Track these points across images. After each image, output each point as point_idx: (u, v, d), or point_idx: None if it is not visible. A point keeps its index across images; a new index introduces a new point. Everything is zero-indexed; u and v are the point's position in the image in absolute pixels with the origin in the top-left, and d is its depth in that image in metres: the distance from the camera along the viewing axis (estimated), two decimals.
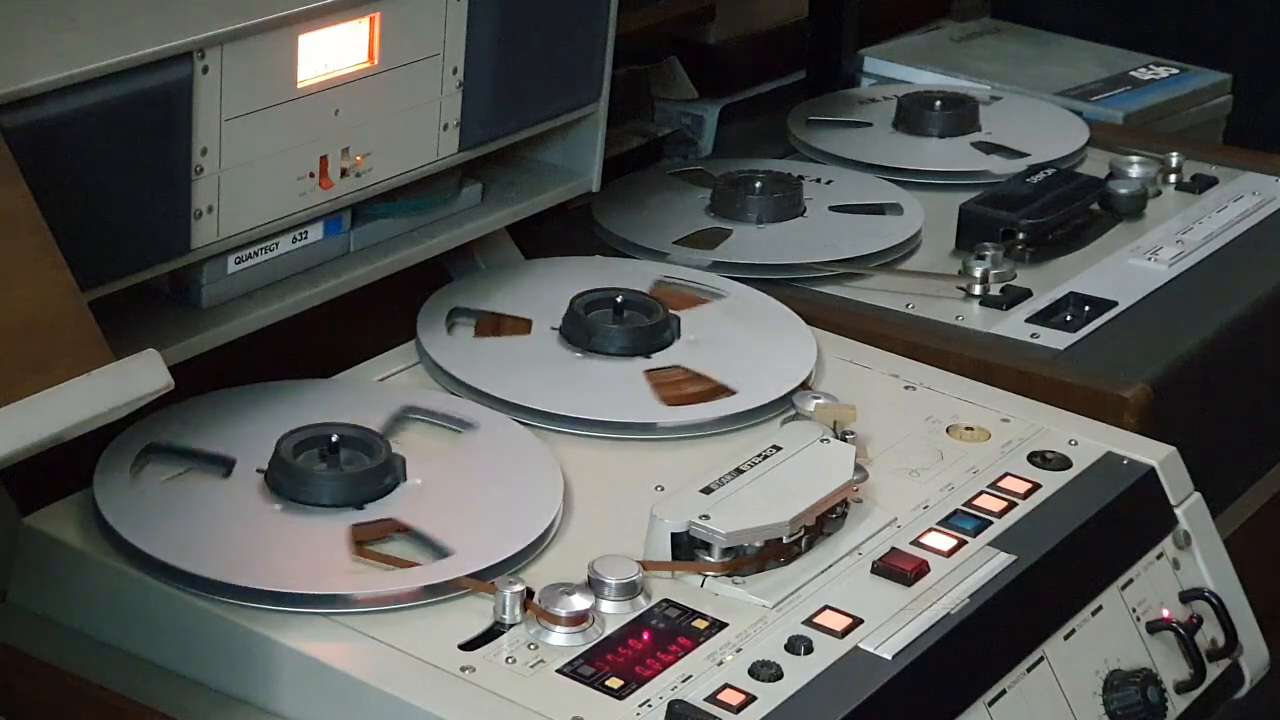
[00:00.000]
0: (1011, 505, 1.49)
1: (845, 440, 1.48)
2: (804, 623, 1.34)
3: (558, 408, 1.55)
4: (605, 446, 1.53)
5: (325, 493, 1.39)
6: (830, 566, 1.40)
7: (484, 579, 1.33)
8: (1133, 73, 2.43)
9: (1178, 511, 1.56)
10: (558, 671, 1.27)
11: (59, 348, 1.15)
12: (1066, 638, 1.43)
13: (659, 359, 1.62)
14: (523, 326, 1.67)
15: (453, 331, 1.66)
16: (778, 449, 1.45)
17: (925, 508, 1.48)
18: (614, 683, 1.26)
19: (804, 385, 1.60)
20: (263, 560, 1.34)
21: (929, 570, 1.40)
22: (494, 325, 1.68)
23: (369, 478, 1.41)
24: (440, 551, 1.36)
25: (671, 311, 1.67)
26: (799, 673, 1.29)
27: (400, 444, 1.46)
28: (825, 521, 1.43)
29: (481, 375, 1.58)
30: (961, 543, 1.43)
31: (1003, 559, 1.42)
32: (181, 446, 1.44)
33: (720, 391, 1.58)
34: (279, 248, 1.54)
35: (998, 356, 1.73)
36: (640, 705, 1.25)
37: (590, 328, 1.63)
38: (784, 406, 1.57)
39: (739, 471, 1.42)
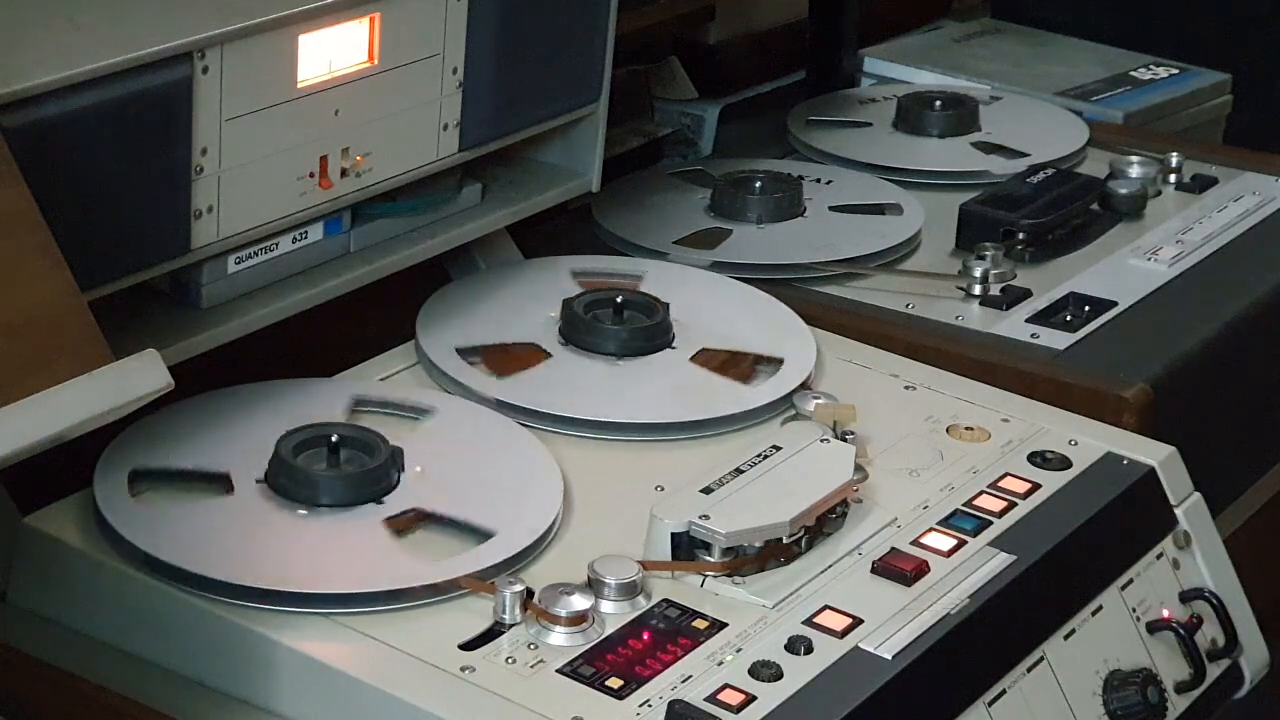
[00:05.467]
0: (1011, 505, 1.49)
1: (845, 440, 1.48)
2: (804, 623, 1.34)
3: (558, 408, 1.55)
4: (605, 446, 1.53)
5: (324, 492, 1.39)
6: (830, 566, 1.40)
7: (484, 579, 1.33)
8: (1133, 73, 2.43)
9: (1178, 511, 1.56)
10: (558, 671, 1.27)
11: (59, 348, 1.15)
12: (1066, 638, 1.43)
13: (646, 362, 1.62)
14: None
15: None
16: (778, 449, 1.45)
17: (925, 508, 1.48)
18: (614, 683, 1.27)
19: (804, 385, 1.60)
20: (263, 560, 1.34)
21: (929, 570, 1.40)
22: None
23: (368, 478, 1.41)
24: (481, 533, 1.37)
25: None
26: (799, 673, 1.29)
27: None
28: (825, 521, 1.43)
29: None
30: (961, 543, 1.43)
31: (1003, 559, 1.42)
32: (175, 467, 1.43)
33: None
34: (279, 248, 1.54)
35: (998, 356, 1.73)
36: (640, 705, 1.25)
37: (587, 328, 1.63)
38: (784, 406, 1.57)
39: (739, 471, 1.42)
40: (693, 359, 1.63)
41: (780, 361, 1.63)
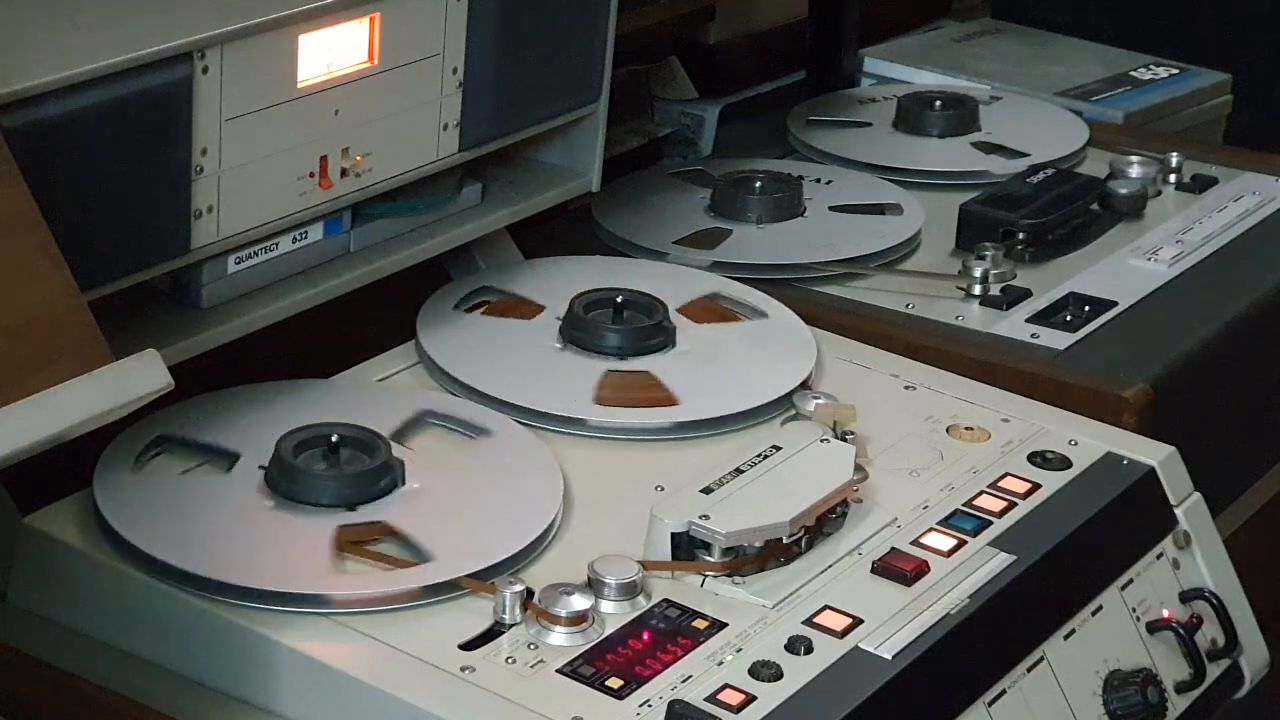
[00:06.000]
0: (1011, 505, 1.49)
1: (845, 440, 1.48)
2: (804, 623, 1.34)
3: (558, 408, 1.55)
4: (605, 446, 1.53)
5: (322, 492, 1.39)
6: (830, 566, 1.40)
7: (484, 579, 1.33)
8: (1133, 73, 2.43)
9: (1178, 511, 1.56)
10: (558, 671, 1.27)
11: (59, 348, 1.15)
12: (1066, 638, 1.43)
13: (642, 362, 1.62)
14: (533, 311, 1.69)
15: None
16: (778, 449, 1.45)
17: (925, 508, 1.48)
18: (614, 683, 1.26)
19: (804, 385, 1.60)
20: (262, 560, 1.34)
21: (929, 570, 1.40)
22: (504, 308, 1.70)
23: (365, 478, 1.41)
24: (423, 556, 1.35)
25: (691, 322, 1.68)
26: (799, 673, 1.29)
27: (399, 444, 1.46)
28: (825, 521, 1.43)
29: (481, 376, 1.58)
30: (961, 543, 1.43)
31: (1003, 559, 1.42)
32: (185, 439, 1.45)
33: (665, 401, 1.57)
34: (279, 248, 1.54)
35: (998, 356, 1.73)
36: (640, 705, 1.25)
37: (588, 328, 1.63)
38: (784, 406, 1.57)
39: (739, 471, 1.42)
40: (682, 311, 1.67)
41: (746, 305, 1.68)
